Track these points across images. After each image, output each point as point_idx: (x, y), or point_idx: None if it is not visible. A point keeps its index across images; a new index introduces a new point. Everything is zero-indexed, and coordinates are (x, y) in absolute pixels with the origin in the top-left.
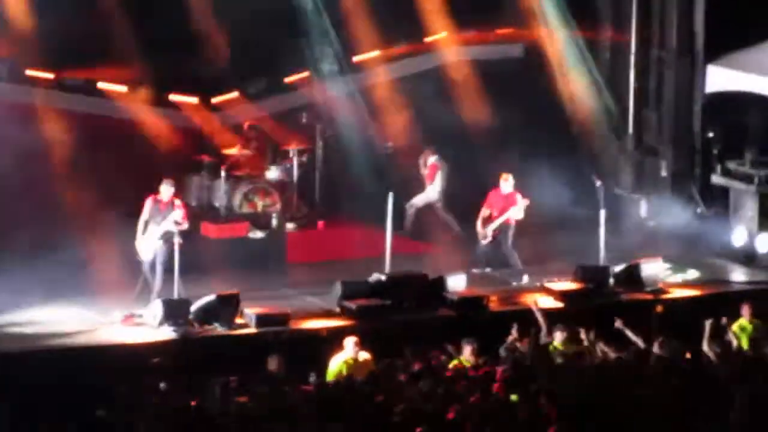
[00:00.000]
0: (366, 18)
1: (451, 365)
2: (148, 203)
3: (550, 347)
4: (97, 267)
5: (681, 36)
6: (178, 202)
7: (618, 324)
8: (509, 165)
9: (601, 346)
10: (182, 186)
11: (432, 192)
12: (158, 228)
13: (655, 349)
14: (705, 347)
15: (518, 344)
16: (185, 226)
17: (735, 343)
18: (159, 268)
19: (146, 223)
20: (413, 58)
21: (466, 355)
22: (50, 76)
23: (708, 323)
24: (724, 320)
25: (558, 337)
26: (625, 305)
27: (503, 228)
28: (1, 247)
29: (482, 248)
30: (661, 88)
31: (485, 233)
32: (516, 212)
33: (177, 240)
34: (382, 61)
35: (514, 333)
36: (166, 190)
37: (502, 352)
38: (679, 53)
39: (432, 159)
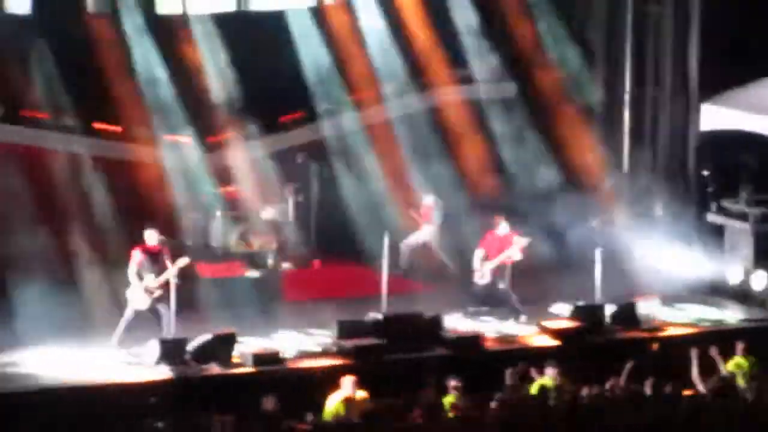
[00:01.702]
0: (361, 58)
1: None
2: (137, 255)
3: (541, 384)
4: (90, 306)
5: (675, 74)
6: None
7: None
8: (504, 205)
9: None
10: (177, 226)
11: (427, 231)
12: (155, 277)
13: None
14: (694, 377)
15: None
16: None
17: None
18: (166, 311)
19: (139, 274)
20: (407, 97)
21: (451, 392)
22: (45, 116)
23: (694, 352)
24: (713, 351)
25: (549, 374)
26: (620, 343)
27: (500, 268)
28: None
29: (479, 288)
30: (656, 127)
31: (482, 273)
32: (513, 252)
33: (173, 280)
34: (376, 101)
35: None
36: (151, 236)
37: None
38: (673, 92)
39: (428, 199)
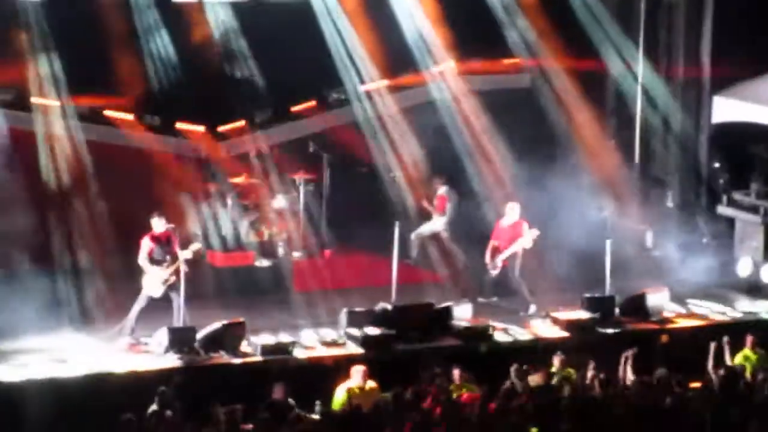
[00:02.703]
0: (374, 47)
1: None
2: (147, 242)
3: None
4: (102, 293)
5: (688, 66)
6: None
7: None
8: (515, 195)
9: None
10: (187, 214)
11: (439, 222)
12: (166, 263)
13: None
14: (709, 369)
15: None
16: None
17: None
18: (177, 299)
19: (151, 261)
20: (420, 88)
21: (455, 380)
22: (56, 103)
23: (713, 345)
24: (725, 339)
25: (556, 363)
26: (630, 335)
27: (511, 258)
28: (8, 273)
29: (490, 278)
30: (668, 119)
31: (494, 263)
32: (524, 242)
33: (183, 268)
34: (389, 91)
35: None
36: (158, 222)
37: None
38: (685, 84)
39: (441, 189)
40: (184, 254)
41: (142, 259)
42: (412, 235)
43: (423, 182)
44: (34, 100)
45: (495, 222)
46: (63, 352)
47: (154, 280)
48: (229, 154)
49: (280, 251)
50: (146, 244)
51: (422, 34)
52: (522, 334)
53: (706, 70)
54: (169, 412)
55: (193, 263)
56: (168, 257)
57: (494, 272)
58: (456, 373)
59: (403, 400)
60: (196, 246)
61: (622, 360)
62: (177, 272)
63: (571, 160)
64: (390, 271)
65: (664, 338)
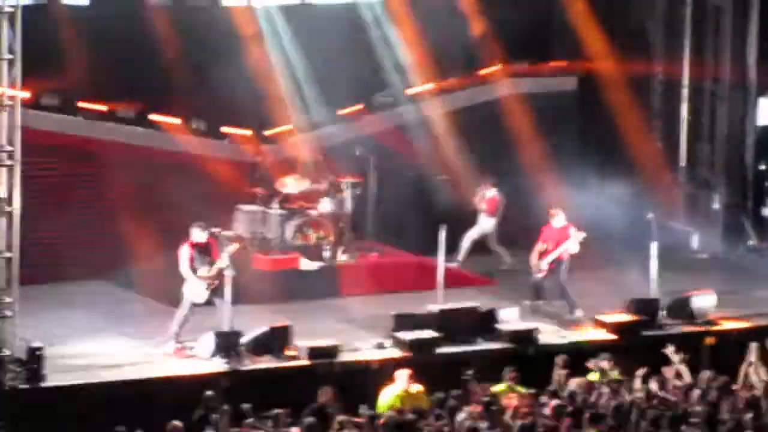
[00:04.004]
0: (421, 50)
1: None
2: (186, 250)
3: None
4: (150, 298)
5: (734, 69)
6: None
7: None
8: (563, 198)
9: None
10: (234, 218)
11: (488, 224)
12: (210, 268)
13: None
14: (751, 370)
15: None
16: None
17: None
18: (222, 303)
19: (194, 269)
20: (467, 90)
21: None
22: (103, 108)
23: (754, 346)
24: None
25: (605, 366)
26: (676, 337)
27: (557, 261)
28: (57, 279)
29: (536, 281)
30: (714, 121)
31: (540, 266)
32: (571, 245)
33: (229, 272)
34: (436, 93)
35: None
36: (199, 234)
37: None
38: (731, 86)
39: (491, 192)
40: (222, 262)
41: (183, 267)
42: (464, 240)
43: (471, 185)
44: (82, 104)
45: (542, 225)
46: (111, 358)
47: (196, 287)
48: (275, 158)
49: (327, 254)
50: (185, 252)
51: (468, 36)
52: (568, 337)
53: (752, 73)
54: (215, 416)
55: (238, 265)
56: (208, 263)
57: (540, 275)
58: (508, 375)
59: (446, 404)
60: (233, 247)
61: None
62: (220, 277)
63: (618, 163)
64: (436, 275)
65: (710, 340)
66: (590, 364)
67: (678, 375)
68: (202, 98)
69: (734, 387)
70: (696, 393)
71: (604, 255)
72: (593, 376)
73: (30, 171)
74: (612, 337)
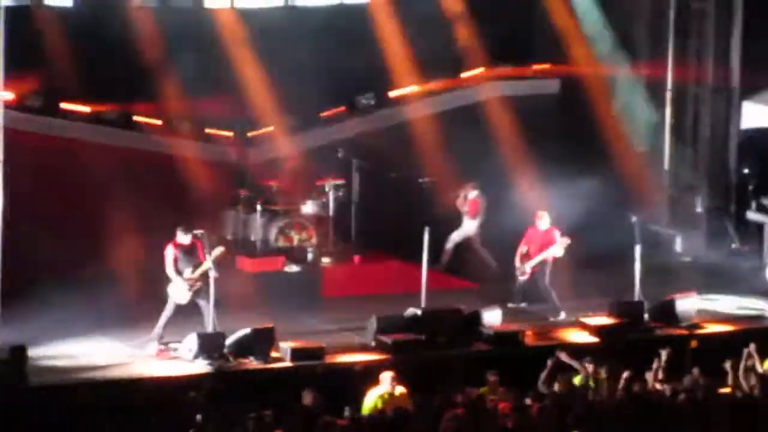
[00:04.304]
0: (404, 53)
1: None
2: (171, 251)
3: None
4: (131, 300)
5: (717, 72)
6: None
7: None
8: (545, 201)
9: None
10: (217, 220)
11: (470, 226)
12: (193, 270)
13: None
14: (740, 376)
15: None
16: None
17: None
18: (206, 304)
19: (177, 271)
20: (450, 93)
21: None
22: (86, 109)
23: (746, 351)
24: (752, 346)
25: (589, 369)
26: (659, 340)
27: (541, 264)
28: (38, 280)
29: (519, 283)
30: (697, 124)
31: (523, 269)
32: (555, 250)
33: (213, 274)
34: (418, 96)
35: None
36: (183, 236)
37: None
38: (715, 89)
39: (473, 194)
40: (207, 264)
41: (169, 269)
42: (447, 243)
43: (454, 187)
44: (65, 105)
45: (526, 227)
46: (93, 359)
47: (180, 288)
48: (258, 160)
49: (310, 257)
50: (170, 253)
51: (451, 39)
52: (551, 340)
53: (736, 76)
54: (198, 417)
55: (222, 267)
56: (193, 264)
57: (523, 278)
58: (490, 378)
59: (430, 406)
60: (218, 250)
61: (657, 361)
62: (203, 278)
63: (601, 166)
64: (419, 277)
65: (694, 344)
66: (575, 366)
67: (658, 377)
68: (185, 100)
69: (722, 390)
70: (681, 395)
71: (587, 258)
72: (577, 379)
73: (11, 170)
74: (595, 339)
